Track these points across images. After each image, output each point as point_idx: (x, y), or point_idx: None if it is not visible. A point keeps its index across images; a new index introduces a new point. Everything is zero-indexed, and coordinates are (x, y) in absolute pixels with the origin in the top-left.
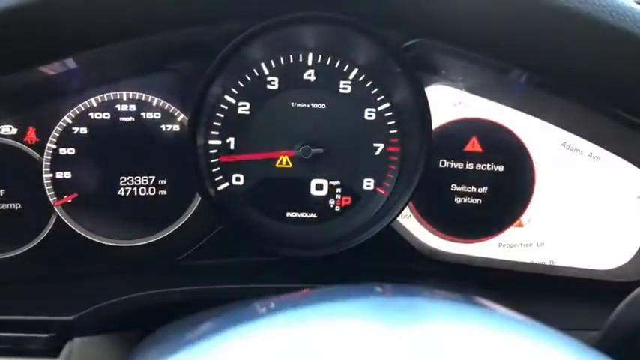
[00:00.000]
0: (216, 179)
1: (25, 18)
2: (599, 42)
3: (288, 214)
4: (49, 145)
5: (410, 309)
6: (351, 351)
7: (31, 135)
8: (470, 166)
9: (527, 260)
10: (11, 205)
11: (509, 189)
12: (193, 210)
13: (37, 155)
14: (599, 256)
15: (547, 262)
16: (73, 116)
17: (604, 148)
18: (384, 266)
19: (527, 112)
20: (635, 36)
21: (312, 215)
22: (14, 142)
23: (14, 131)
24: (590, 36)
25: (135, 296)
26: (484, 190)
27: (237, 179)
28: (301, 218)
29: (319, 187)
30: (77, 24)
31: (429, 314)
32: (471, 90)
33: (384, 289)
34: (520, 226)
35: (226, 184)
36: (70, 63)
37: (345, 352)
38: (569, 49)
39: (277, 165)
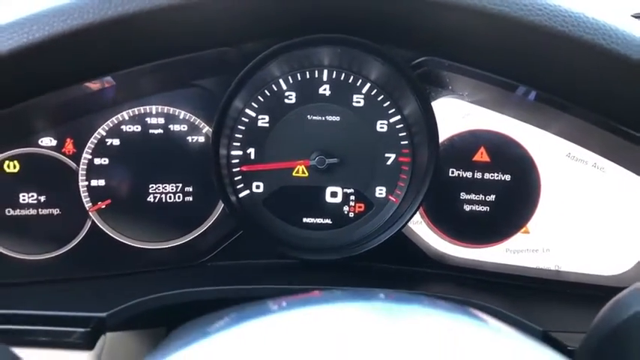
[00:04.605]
0: (238, 187)
1: (77, 43)
2: (596, 64)
3: (305, 220)
4: (84, 155)
5: (407, 314)
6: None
7: (69, 146)
8: (478, 175)
9: (533, 265)
10: (50, 210)
11: (516, 197)
12: (217, 215)
13: (73, 165)
14: (603, 263)
15: (552, 268)
16: (107, 128)
17: (608, 159)
18: (395, 270)
19: (533, 125)
20: (629, 58)
21: (328, 221)
22: (54, 152)
23: (54, 142)
24: (587, 58)
25: (161, 295)
26: (492, 198)
27: (257, 187)
28: (317, 224)
29: (334, 194)
30: (120, 46)
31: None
32: (478, 103)
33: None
34: (526, 232)
35: (247, 192)
36: (108, 80)
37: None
38: (569, 69)
39: (294, 174)
